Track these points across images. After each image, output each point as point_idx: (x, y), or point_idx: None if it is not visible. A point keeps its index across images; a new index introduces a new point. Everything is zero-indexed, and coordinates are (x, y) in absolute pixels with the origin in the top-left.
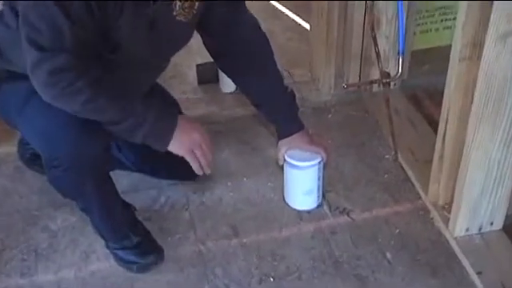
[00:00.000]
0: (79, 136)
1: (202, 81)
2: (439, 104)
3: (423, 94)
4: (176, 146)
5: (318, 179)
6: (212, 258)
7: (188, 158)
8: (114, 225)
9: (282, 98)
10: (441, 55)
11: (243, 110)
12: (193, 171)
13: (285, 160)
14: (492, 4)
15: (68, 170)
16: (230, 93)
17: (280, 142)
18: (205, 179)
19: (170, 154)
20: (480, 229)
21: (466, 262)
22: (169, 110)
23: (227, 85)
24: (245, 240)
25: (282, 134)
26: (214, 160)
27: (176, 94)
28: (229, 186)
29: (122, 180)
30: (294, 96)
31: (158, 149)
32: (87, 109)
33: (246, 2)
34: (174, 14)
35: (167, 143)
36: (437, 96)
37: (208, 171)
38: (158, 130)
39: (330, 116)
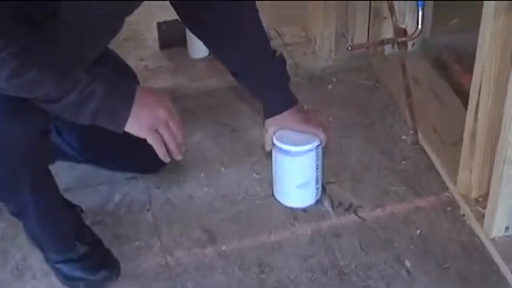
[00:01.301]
0: (6, 116)
1: (165, 44)
2: (470, 69)
3: (450, 56)
4: (135, 126)
5: (316, 168)
6: (182, 272)
7: (151, 141)
8: (55, 232)
9: (268, 65)
10: (471, 7)
11: (219, 80)
12: (156, 159)
13: (273, 144)
14: None
15: None
16: (202, 59)
17: (267, 122)
18: (172, 170)
19: (125, 136)
20: None
21: (505, 269)
22: (124, 80)
23: (197, 49)
24: (224, 248)
25: (270, 112)
26: (186, 143)
27: (131, 61)
28: (202, 179)
29: (64, 174)
30: (283, 62)
31: (112, 130)
32: (14, 84)
33: None
34: None
35: (124, 122)
36: (467, 59)
37: (178, 157)
38: (110, 106)
39: (330, 87)
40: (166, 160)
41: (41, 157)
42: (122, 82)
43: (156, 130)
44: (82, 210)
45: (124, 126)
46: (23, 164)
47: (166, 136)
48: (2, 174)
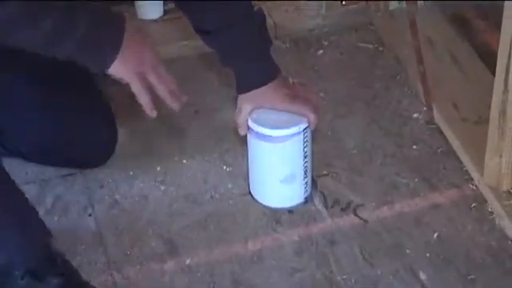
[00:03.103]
0: None
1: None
2: (497, 26)
3: (472, 11)
4: (120, 66)
5: (304, 157)
6: None
7: (136, 87)
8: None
9: (242, 24)
10: None
11: (178, 47)
12: (98, 148)
13: (249, 128)
14: None
15: None
16: (155, 20)
17: (241, 99)
18: (118, 163)
19: (56, 120)
20: None
21: None
22: (111, 10)
23: (150, 7)
24: (188, 261)
25: (244, 85)
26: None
27: None
28: (159, 174)
29: None
30: (263, 19)
31: (94, 69)
32: None
33: None
34: None
35: (111, 60)
36: (494, 15)
37: (174, 105)
38: (96, 38)
39: (320, 53)
40: (153, 114)
41: None
42: (111, 13)
43: (143, 75)
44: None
45: (110, 64)
46: None
47: (155, 82)
48: None
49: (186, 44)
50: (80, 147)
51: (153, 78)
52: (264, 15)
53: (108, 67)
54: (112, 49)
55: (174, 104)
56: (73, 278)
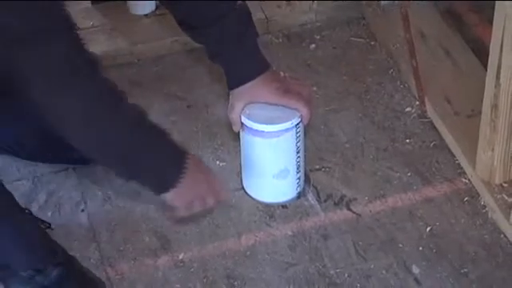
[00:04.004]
0: None
1: None
2: (490, 21)
3: (464, 6)
4: (176, 196)
5: (297, 152)
6: None
7: (180, 214)
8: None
9: (230, 17)
10: None
11: (170, 43)
12: None
13: (242, 123)
14: None
15: None
16: (146, 15)
17: (233, 94)
18: None
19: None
20: None
21: None
22: (176, 143)
23: (141, 2)
24: (181, 257)
25: (235, 80)
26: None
27: None
28: None
29: None
30: (247, 13)
31: (153, 191)
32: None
33: None
34: None
35: (167, 190)
36: (487, 9)
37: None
38: (161, 173)
39: (313, 47)
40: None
41: None
42: (177, 147)
43: (192, 204)
44: (49, 225)
45: (166, 192)
46: None
47: (197, 209)
48: None
49: (178, 39)
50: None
51: (197, 208)
52: (248, 8)
53: (161, 195)
54: (173, 182)
55: None
56: (73, 267)
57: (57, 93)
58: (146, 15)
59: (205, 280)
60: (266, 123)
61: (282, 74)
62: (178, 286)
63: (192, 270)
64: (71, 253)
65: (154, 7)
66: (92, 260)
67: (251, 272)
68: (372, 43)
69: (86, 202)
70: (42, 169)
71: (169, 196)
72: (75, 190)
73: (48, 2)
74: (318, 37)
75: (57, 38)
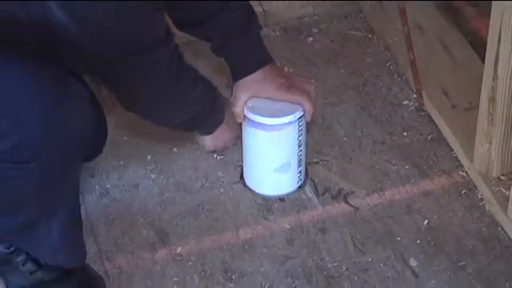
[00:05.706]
0: None
1: None
2: (487, 13)
3: None
4: (213, 139)
5: (299, 145)
6: (125, 283)
7: (210, 149)
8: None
9: (233, 10)
10: None
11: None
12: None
13: (244, 116)
14: None
15: None
16: None
17: (237, 87)
18: (109, 152)
19: None
20: None
21: None
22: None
23: None
24: (179, 250)
25: (240, 71)
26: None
27: None
28: (149, 162)
29: None
30: (249, 6)
31: (200, 132)
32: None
33: None
34: None
35: (211, 132)
36: (484, 2)
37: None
38: (212, 118)
39: (310, 40)
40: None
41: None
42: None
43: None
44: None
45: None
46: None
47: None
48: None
49: (177, 31)
50: None
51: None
52: (248, 1)
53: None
54: (217, 125)
55: None
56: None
57: (172, 82)
58: None
59: (202, 273)
60: (269, 116)
61: (285, 69)
62: (176, 279)
63: (190, 263)
64: None
65: None
66: (89, 253)
67: (249, 265)
68: (369, 36)
69: (83, 196)
70: None
71: (208, 139)
72: None
73: (162, 13)
74: (316, 30)
75: (165, 43)
